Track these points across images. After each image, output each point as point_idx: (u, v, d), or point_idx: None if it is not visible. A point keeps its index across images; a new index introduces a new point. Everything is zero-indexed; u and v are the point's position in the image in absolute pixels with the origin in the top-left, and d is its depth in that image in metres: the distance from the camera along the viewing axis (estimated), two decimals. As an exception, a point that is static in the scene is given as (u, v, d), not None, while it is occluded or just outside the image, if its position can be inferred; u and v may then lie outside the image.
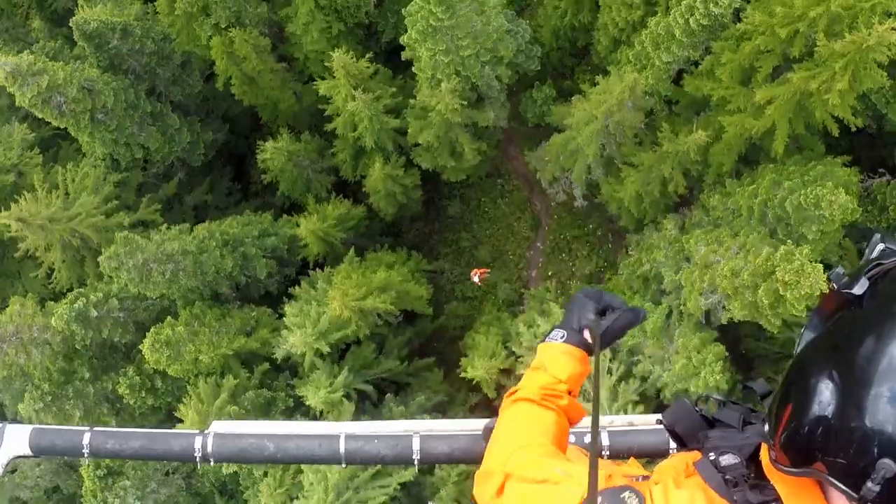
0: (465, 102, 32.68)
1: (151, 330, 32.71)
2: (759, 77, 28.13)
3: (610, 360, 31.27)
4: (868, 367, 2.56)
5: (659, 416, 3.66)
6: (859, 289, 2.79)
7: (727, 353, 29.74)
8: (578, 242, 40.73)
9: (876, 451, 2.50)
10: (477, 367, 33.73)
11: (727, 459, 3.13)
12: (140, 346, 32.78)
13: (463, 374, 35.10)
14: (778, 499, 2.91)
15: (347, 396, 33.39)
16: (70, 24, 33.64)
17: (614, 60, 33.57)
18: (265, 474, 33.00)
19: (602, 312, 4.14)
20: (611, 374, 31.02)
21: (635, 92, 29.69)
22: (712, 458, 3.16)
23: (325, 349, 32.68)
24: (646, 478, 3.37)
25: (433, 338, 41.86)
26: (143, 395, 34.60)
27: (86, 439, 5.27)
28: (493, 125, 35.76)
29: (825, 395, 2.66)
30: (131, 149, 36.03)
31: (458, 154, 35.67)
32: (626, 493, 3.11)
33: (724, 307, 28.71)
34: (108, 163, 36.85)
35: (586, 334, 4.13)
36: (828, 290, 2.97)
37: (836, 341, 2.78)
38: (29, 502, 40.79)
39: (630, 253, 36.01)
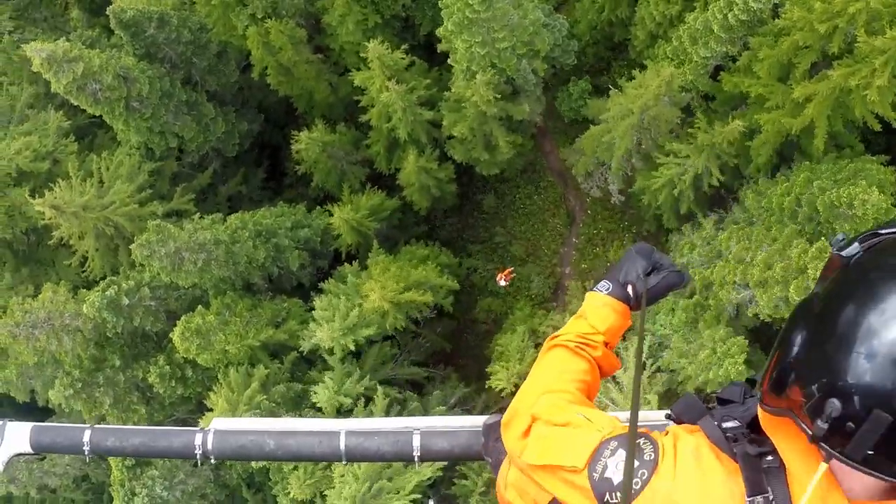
0: (500, 95, 32.53)
1: (182, 318, 32.76)
2: (798, 73, 27.87)
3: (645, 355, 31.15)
4: (832, 321, 2.82)
5: (668, 411, 3.70)
6: (848, 252, 3.00)
7: (758, 350, 29.53)
8: (613, 238, 40.51)
9: (827, 389, 2.75)
10: (501, 378, 33.56)
11: (729, 423, 3.29)
12: (171, 335, 32.81)
13: (489, 384, 34.89)
14: (774, 450, 3.10)
15: (365, 398, 33.34)
16: (107, 13, 33.71)
17: (651, 55, 33.37)
18: (295, 467, 32.95)
19: (650, 271, 4.30)
20: (646, 367, 30.89)
21: (672, 86, 29.49)
22: (715, 421, 3.31)
23: (351, 346, 32.65)
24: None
25: (463, 332, 41.78)
26: (174, 384, 34.64)
27: (86, 437, 5.24)
28: (527, 119, 35.57)
29: (798, 343, 2.95)
30: (166, 137, 36.10)
31: (492, 147, 35.53)
32: (642, 440, 3.30)
33: (753, 302, 28.48)
34: (143, 151, 36.92)
35: (630, 289, 4.26)
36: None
37: (820, 296, 3.01)
38: (57, 490, 40.99)
39: (670, 251, 35.79)
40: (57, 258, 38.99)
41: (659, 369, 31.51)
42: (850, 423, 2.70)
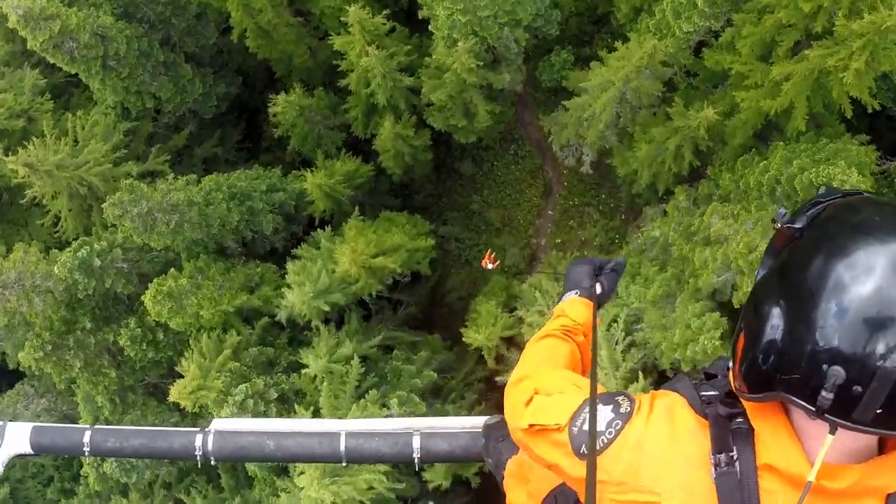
0: (481, 63, 32.36)
1: (154, 281, 32.58)
2: (780, 52, 27.75)
3: (609, 329, 31.19)
4: (812, 287, 2.86)
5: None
6: (800, 223, 3.10)
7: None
8: (589, 211, 40.54)
9: (827, 359, 2.78)
10: (479, 334, 33.60)
11: (707, 391, 3.43)
12: (143, 298, 32.63)
13: (465, 340, 34.97)
14: (745, 413, 3.21)
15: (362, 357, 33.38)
16: (85, -30, 33.40)
17: (634, 29, 33.19)
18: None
19: (598, 273, 4.85)
20: (617, 344, 30.89)
21: (654, 59, 29.37)
22: (696, 391, 3.46)
23: (325, 307, 32.48)
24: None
25: (437, 303, 41.85)
26: (145, 347, 34.45)
27: (86, 437, 5.32)
28: (508, 88, 35.44)
29: (775, 320, 2.97)
30: (142, 98, 35.83)
31: (470, 115, 35.41)
32: (621, 397, 3.53)
33: (733, 287, 28.51)
34: (119, 111, 36.67)
35: (592, 290, 4.72)
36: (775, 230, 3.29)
37: (782, 271, 3.08)
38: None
39: (640, 227, 35.83)
40: (30, 218, 38.82)
41: (633, 343, 31.55)
42: (857, 387, 2.75)
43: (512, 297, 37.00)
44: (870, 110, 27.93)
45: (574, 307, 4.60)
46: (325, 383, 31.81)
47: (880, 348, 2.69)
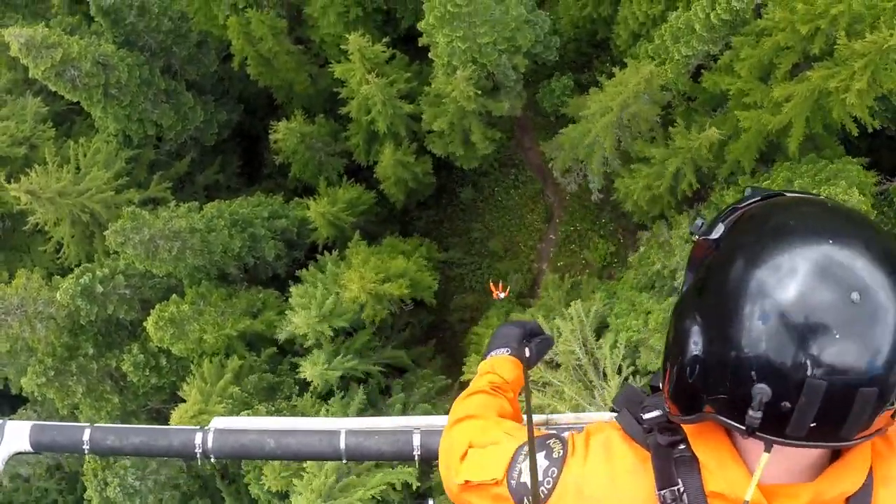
0: (480, 91, 32.47)
1: (156, 307, 32.63)
2: (779, 74, 27.86)
3: (612, 353, 31.06)
4: (729, 300, 2.71)
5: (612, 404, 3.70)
6: (716, 233, 2.95)
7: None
8: (590, 236, 40.56)
9: (752, 376, 2.63)
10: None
11: (650, 414, 3.23)
12: (145, 324, 32.65)
13: (463, 377, 34.76)
14: (686, 439, 3.05)
15: (349, 379, 33.30)
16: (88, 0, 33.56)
17: (633, 54, 33.33)
18: (268, 458, 32.82)
19: (527, 337, 4.58)
20: (620, 373, 30.77)
21: (652, 84, 29.48)
22: (636, 414, 3.28)
23: (328, 332, 32.50)
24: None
25: (439, 328, 41.84)
26: (147, 373, 34.48)
27: (86, 435, 5.20)
28: (507, 115, 35.54)
29: (695, 338, 2.82)
30: (144, 125, 35.96)
31: (470, 142, 35.49)
32: (552, 440, 3.37)
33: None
34: (121, 139, 36.79)
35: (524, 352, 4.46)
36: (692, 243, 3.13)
37: (698, 285, 2.95)
38: (30, 479, 40.84)
39: (640, 249, 35.84)
40: (32, 244, 38.87)
41: (636, 371, 31.45)
42: (785, 403, 2.62)
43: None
44: (870, 130, 27.99)
45: (503, 365, 4.39)
46: (328, 407, 31.86)
47: (805, 360, 2.57)
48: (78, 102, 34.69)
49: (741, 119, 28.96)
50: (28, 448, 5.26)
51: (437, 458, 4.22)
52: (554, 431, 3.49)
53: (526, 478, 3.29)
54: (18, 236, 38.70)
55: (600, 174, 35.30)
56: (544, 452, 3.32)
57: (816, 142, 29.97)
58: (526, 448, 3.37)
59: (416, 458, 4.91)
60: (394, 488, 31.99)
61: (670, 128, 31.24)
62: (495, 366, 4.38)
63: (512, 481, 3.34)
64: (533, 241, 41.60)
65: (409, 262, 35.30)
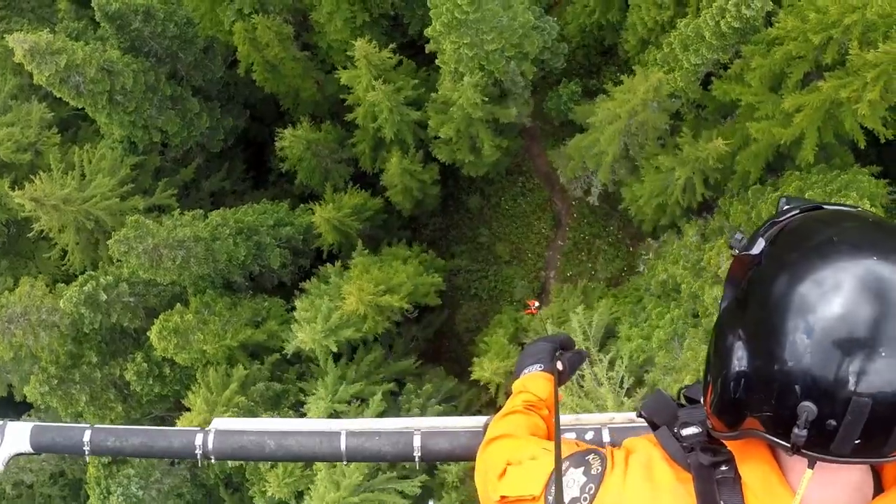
0: (487, 98, 32.35)
1: (160, 317, 32.52)
2: (790, 83, 27.65)
3: (613, 369, 30.87)
4: (771, 314, 2.69)
5: (638, 408, 3.62)
6: (757, 248, 2.91)
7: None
8: (598, 243, 40.47)
9: (797, 394, 2.61)
10: (485, 369, 33.34)
11: (688, 430, 3.21)
12: (149, 333, 32.51)
13: (474, 377, 34.70)
14: (730, 459, 3.01)
15: (360, 399, 33.14)
16: (93, 5, 33.43)
17: (641, 61, 33.18)
18: (272, 466, 32.79)
19: (559, 352, 4.55)
20: (621, 386, 30.57)
21: (660, 92, 29.31)
22: (674, 430, 3.25)
23: (333, 347, 32.32)
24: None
25: (446, 335, 41.71)
26: (151, 382, 34.42)
27: (86, 436, 5.16)
28: (514, 122, 35.39)
29: (739, 353, 2.79)
30: (149, 132, 35.88)
31: (477, 149, 35.37)
32: (591, 456, 3.33)
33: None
34: (126, 145, 36.76)
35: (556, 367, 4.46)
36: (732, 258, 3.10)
37: (742, 302, 2.90)
38: (34, 486, 40.79)
39: (646, 257, 35.69)
40: (37, 251, 38.86)
41: (642, 383, 31.26)
42: (831, 421, 2.58)
43: (521, 330, 36.75)
44: (882, 140, 27.77)
45: (535, 382, 4.39)
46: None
47: (850, 377, 2.54)
48: (83, 108, 34.52)
49: (752, 131, 28.75)
50: (28, 449, 5.26)
51: (436, 459, 4.62)
52: (593, 447, 3.45)
53: (565, 495, 3.24)
54: (23, 242, 38.64)
55: (608, 181, 35.16)
56: (583, 468, 3.30)
57: (827, 150, 29.78)
58: (564, 463, 3.34)
59: (417, 459, 4.90)
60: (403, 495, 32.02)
61: (678, 137, 31.04)
62: (528, 384, 4.37)
63: (549, 497, 3.30)
64: (540, 249, 41.48)
65: (409, 269, 35.11)
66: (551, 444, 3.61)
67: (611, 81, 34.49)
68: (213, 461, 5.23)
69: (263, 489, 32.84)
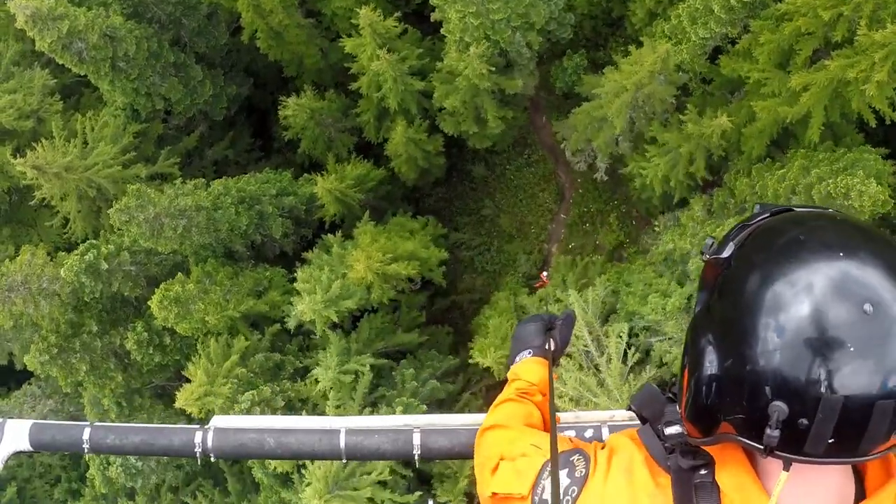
0: (494, 68, 32.11)
1: (161, 286, 32.47)
2: (798, 61, 27.41)
3: (627, 345, 30.77)
4: (741, 314, 2.72)
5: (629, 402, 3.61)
6: (726, 252, 2.93)
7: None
8: (602, 217, 40.40)
9: (767, 394, 2.63)
10: (487, 356, 33.18)
11: (671, 429, 3.17)
12: (150, 302, 32.44)
13: (472, 360, 34.60)
14: (710, 463, 3.03)
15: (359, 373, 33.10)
16: (95, -31, 33.24)
17: (649, 33, 32.91)
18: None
19: (549, 328, 4.61)
20: (625, 361, 30.47)
21: (667, 64, 29.08)
22: (659, 427, 3.24)
23: (334, 317, 32.22)
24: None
25: (448, 308, 41.68)
26: (151, 351, 34.37)
27: (86, 434, 5.20)
28: (520, 93, 35.15)
29: (710, 356, 2.82)
30: (152, 99, 35.65)
31: (482, 121, 35.14)
32: (576, 456, 3.37)
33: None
34: (129, 113, 36.50)
35: (548, 346, 4.51)
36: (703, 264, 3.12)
37: (712, 305, 2.93)
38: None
39: (656, 229, 35.58)
40: (39, 218, 38.83)
41: (648, 355, 31.16)
42: (803, 420, 2.60)
43: (520, 308, 36.62)
44: (888, 121, 27.54)
45: (528, 368, 4.43)
46: (332, 392, 31.65)
47: (821, 375, 2.56)
48: (86, 75, 34.33)
49: (758, 110, 28.55)
50: (28, 447, 5.29)
51: (436, 457, 4.74)
52: (580, 446, 3.50)
53: (549, 495, 3.29)
54: (25, 210, 38.62)
55: (608, 154, 35.03)
56: (567, 470, 3.33)
57: (834, 130, 29.60)
58: (550, 466, 3.36)
59: (416, 457, 4.96)
60: (402, 476, 32.04)
61: (682, 114, 30.83)
62: (519, 372, 4.42)
63: (536, 497, 3.36)
64: (544, 222, 41.40)
65: (416, 240, 35.01)
66: (543, 439, 3.66)
67: (619, 53, 34.23)
68: (212, 459, 5.28)
69: (264, 462, 32.89)
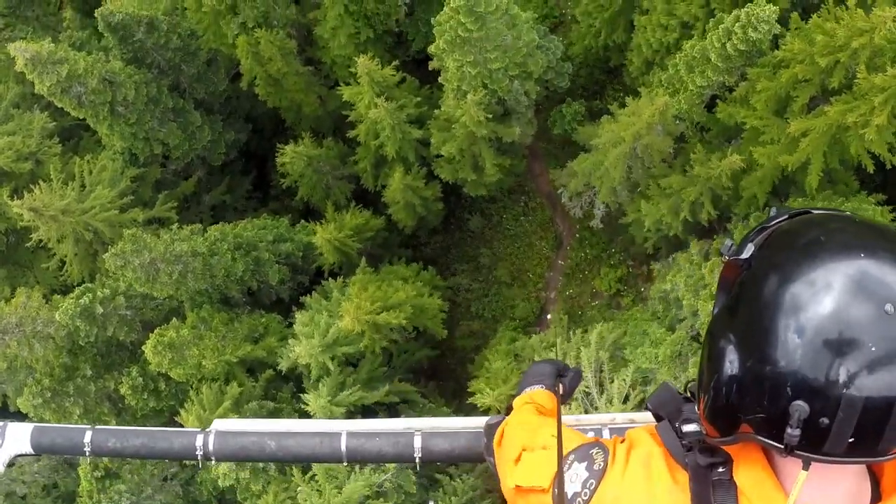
0: (491, 115, 32.20)
1: (155, 331, 32.43)
2: (795, 107, 27.47)
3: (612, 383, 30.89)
4: (762, 315, 2.74)
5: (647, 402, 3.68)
6: (746, 252, 2.96)
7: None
8: (599, 264, 40.34)
9: (788, 394, 2.64)
10: (487, 395, 33.04)
11: (689, 427, 3.23)
12: (144, 347, 32.37)
13: (472, 401, 34.41)
14: (728, 461, 3.05)
15: (354, 412, 32.92)
16: (96, 16, 33.40)
17: (646, 83, 33.07)
18: (265, 488, 32.60)
19: (560, 375, 4.64)
20: (626, 402, 30.50)
21: (665, 116, 29.16)
22: (676, 424, 3.29)
23: (330, 364, 32.09)
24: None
25: (445, 355, 41.52)
26: (146, 396, 34.23)
27: (87, 437, 5.29)
28: (518, 141, 35.26)
29: (731, 357, 2.84)
30: (150, 144, 35.76)
31: (479, 168, 35.23)
32: (595, 450, 3.41)
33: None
34: (127, 157, 36.59)
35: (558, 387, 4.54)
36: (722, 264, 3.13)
37: (733, 306, 2.96)
38: (26, 497, 40.57)
39: (654, 276, 35.62)
40: (35, 260, 38.82)
41: (644, 399, 31.11)
42: (824, 419, 2.63)
43: (518, 353, 36.57)
44: (888, 166, 27.60)
45: (540, 395, 4.45)
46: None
47: (842, 375, 2.58)
48: (85, 119, 34.46)
49: (757, 156, 28.61)
50: (29, 450, 5.37)
51: (437, 460, 4.80)
52: (599, 441, 3.52)
53: (567, 487, 3.29)
54: (22, 252, 38.58)
55: (611, 202, 35.05)
56: (586, 463, 3.36)
57: (831, 175, 29.62)
58: (570, 457, 3.41)
59: (417, 460, 4.99)
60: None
61: (691, 154, 30.83)
62: (534, 397, 4.43)
63: (555, 490, 3.33)
64: (541, 269, 41.39)
65: (409, 288, 34.93)
66: (565, 433, 3.63)
67: (615, 102, 34.39)
68: (213, 462, 5.31)
69: (258, 504, 32.68)
